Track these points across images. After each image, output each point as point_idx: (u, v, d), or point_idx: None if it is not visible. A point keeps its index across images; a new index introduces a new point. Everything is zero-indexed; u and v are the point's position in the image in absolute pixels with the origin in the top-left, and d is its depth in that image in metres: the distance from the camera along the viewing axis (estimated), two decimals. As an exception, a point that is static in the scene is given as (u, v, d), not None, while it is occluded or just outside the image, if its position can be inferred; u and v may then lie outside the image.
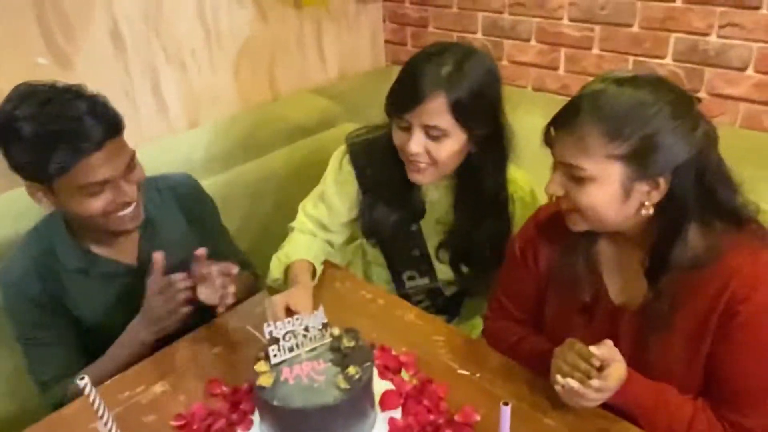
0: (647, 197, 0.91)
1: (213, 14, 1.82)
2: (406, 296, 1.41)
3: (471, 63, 1.13)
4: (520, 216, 1.29)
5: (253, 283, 1.43)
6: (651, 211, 0.92)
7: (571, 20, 1.81)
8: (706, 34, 1.57)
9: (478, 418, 0.96)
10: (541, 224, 1.12)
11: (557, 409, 0.98)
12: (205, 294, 1.13)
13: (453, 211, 1.30)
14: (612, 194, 0.90)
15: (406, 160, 1.20)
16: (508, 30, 1.97)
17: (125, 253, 1.27)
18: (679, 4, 1.59)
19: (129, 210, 1.16)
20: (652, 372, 0.98)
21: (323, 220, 1.35)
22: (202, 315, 1.22)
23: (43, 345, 1.22)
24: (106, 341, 1.23)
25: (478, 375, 1.06)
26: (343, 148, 1.34)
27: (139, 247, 1.29)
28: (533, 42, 1.93)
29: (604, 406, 0.96)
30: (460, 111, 1.11)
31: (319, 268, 1.31)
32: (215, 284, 1.12)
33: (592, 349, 0.89)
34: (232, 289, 1.13)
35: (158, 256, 1.14)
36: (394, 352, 1.10)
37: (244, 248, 1.54)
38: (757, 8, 1.47)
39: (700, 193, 0.90)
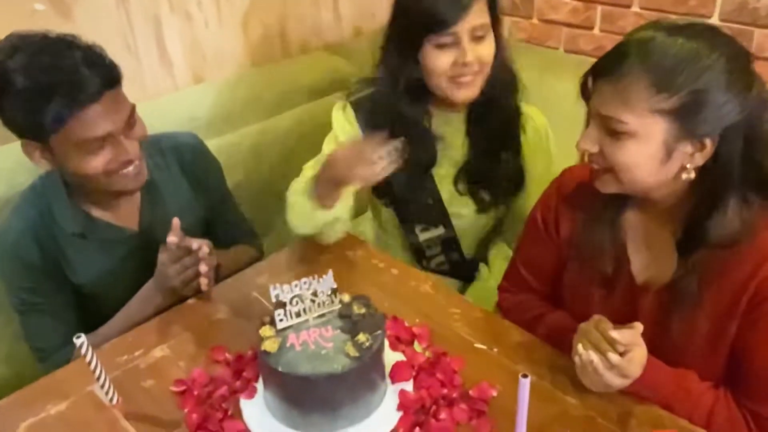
0: (690, 160, 0.89)
1: (221, -36, 1.80)
2: (420, 251, 1.44)
3: None
4: (533, 145, 1.35)
5: (256, 258, 1.44)
6: (692, 175, 0.90)
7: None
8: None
9: (494, 393, 0.97)
10: (564, 190, 1.12)
11: (579, 389, 0.98)
12: (173, 270, 1.15)
13: (467, 143, 1.34)
14: (652, 153, 0.89)
15: (451, 81, 1.24)
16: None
17: (126, 217, 1.29)
18: (727, -44, 1.55)
19: (131, 168, 1.17)
20: (673, 354, 0.98)
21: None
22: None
23: (40, 312, 1.24)
24: (106, 309, 1.26)
25: (495, 350, 1.06)
26: (342, 105, 1.37)
27: (141, 211, 1.30)
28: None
29: (623, 392, 0.95)
30: (493, 8, 1.23)
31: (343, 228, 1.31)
32: (183, 262, 1.14)
33: (615, 334, 0.89)
34: (203, 268, 1.14)
35: (176, 222, 1.15)
36: (407, 323, 1.10)
37: (251, 213, 1.55)
38: (814, -36, 1.43)
39: (747, 161, 0.88)
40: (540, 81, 1.65)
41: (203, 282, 1.14)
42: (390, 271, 1.27)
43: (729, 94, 0.85)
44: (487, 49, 1.22)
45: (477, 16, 1.19)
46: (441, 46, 1.20)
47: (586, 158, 0.97)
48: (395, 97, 1.28)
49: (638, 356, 0.90)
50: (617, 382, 0.90)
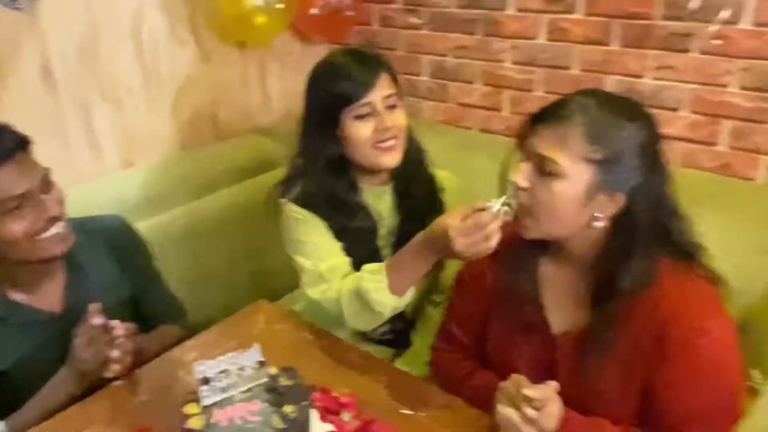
0: (602, 209, 0.97)
1: (152, 53, 1.83)
2: None
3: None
4: (456, 204, 1.34)
5: (182, 337, 1.39)
6: (602, 224, 0.97)
7: (514, 63, 1.90)
8: (641, 76, 1.68)
9: (422, 458, 0.95)
10: None
11: (505, 446, 0.98)
12: (88, 353, 1.11)
13: (398, 215, 1.37)
14: (575, 195, 0.96)
15: (375, 147, 1.27)
16: (453, 73, 2.05)
17: (49, 299, 1.24)
18: (615, 47, 1.69)
19: (55, 229, 1.14)
20: (590, 399, 1.01)
21: (340, 258, 1.30)
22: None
23: None
24: (23, 394, 1.18)
25: (422, 414, 1.06)
26: (284, 203, 1.33)
27: (65, 292, 1.25)
28: (478, 84, 2.01)
29: None
30: (397, 81, 1.31)
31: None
32: (99, 343, 1.10)
33: (529, 392, 0.91)
34: (114, 354, 1.10)
35: (93, 306, 1.12)
36: (334, 394, 1.08)
37: (182, 292, 1.51)
38: (687, 51, 1.58)
39: (653, 221, 0.97)
40: (458, 158, 1.73)
41: (114, 368, 1.10)
42: (318, 342, 1.26)
43: (640, 159, 0.95)
44: (400, 117, 1.29)
45: (386, 87, 1.26)
46: (360, 117, 1.25)
47: (513, 193, 1.01)
48: (321, 178, 1.30)
49: (553, 410, 0.93)
50: None
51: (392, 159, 1.29)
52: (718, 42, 1.50)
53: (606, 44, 1.70)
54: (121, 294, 1.34)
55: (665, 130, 1.64)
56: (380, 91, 1.25)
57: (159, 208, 1.73)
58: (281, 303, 1.72)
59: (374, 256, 1.33)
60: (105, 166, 1.80)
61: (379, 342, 1.43)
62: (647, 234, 0.97)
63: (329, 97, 1.26)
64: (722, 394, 0.97)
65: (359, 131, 1.26)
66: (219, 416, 0.89)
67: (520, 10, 1.83)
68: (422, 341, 1.44)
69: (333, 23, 2.12)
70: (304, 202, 1.31)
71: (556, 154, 0.95)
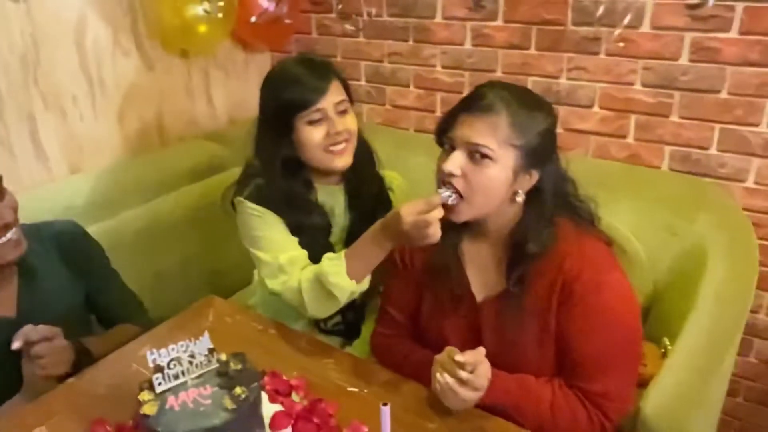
0: (522, 186, 1.07)
1: (96, 62, 1.82)
2: None
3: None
4: (402, 201, 1.38)
5: (140, 334, 1.40)
6: (522, 198, 1.08)
7: (444, 67, 1.98)
8: (557, 77, 1.78)
9: (366, 429, 1.01)
10: None
11: (440, 415, 1.05)
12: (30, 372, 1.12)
13: (349, 212, 1.42)
14: (505, 176, 1.05)
15: (327, 151, 1.32)
16: (389, 77, 2.12)
17: (2, 305, 1.23)
18: (533, 51, 1.80)
19: (9, 235, 1.14)
20: (513, 356, 1.11)
21: (298, 250, 1.33)
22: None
23: None
24: None
25: (366, 390, 1.11)
26: (239, 202, 1.36)
27: (18, 297, 1.25)
28: (412, 88, 2.08)
29: (480, 409, 1.05)
30: (347, 87, 1.35)
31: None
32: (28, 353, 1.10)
33: (460, 357, 1.00)
34: (44, 360, 1.10)
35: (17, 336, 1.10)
36: (285, 377, 1.12)
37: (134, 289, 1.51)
38: (597, 53, 1.70)
39: (558, 194, 1.09)
40: (396, 156, 1.79)
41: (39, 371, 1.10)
42: (268, 331, 1.30)
43: (547, 142, 1.07)
44: (350, 121, 1.34)
45: (336, 94, 1.30)
46: (312, 122, 1.29)
47: (443, 182, 1.08)
48: (277, 178, 1.33)
49: (483, 370, 1.01)
50: (471, 395, 1.01)
51: (343, 161, 1.34)
52: (622, 45, 1.62)
53: (525, 48, 1.80)
54: (75, 298, 1.34)
55: (580, 125, 1.78)
56: (331, 98, 1.29)
57: (108, 212, 1.72)
58: (234, 299, 1.74)
59: (328, 252, 1.37)
60: (53, 174, 1.78)
61: (331, 333, 1.47)
62: (553, 201, 1.09)
63: (282, 103, 1.29)
64: (623, 337, 1.09)
65: (312, 136, 1.30)
66: (172, 401, 0.92)
67: (446, 18, 1.92)
68: (369, 331, 1.50)
69: (273, 31, 2.15)
70: (260, 200, 1.33)
71: (488, 140, 1.03)
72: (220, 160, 2.02)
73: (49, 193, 1.71)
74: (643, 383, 1.18)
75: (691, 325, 1.29)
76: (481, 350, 1.03)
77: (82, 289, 1.36)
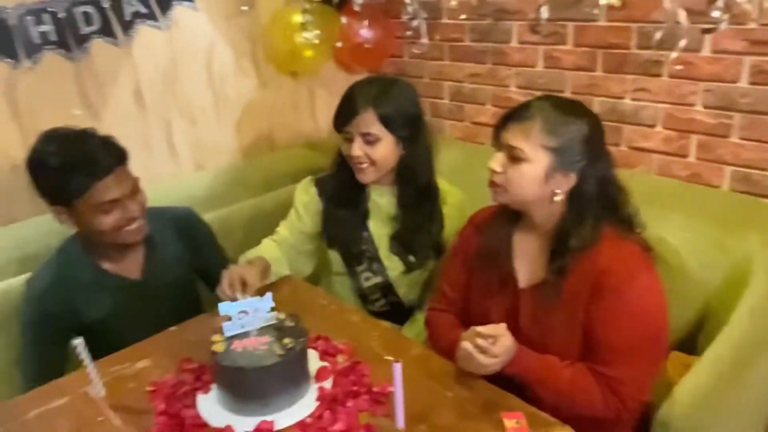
0: (559, 186, 1.14)
1: (221, 81, 2.09)
2: (364, 295, 1.61)
3: (394, 87, 1.48)
4: (456, 216, 1.53)
5: None
6: (561, 197, 1.14)
7: (517, 87, 2.05)
8: (622, 98, 1.79)
9: (391, 388, 1.11)
10: (474, 221, 1.36)
11: (459, 385, 1.14)
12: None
13: (398, 209, 1.55)
14: (537, 175, 1.13)
15: (352, 164, 1.48)
16: (469, 96, 2.22)
17: (131, 269, 1.46)
18: (599, 73, 1.82)
19: (134, 225, 1.36)
20: (543, 340, 1.17)
21: (286, 231, 1.60)
22: None
23: (37, 354, 1.38)
24: (109, 343, 1.35)
25: (401, 361, 1.22)
26: (308, 179, 1.61)
27: (143, 264, 1.47)
28: (489, 106, 2.17)
29: (502, 382, 1.13)
30: (386, 121, 1.43)
31: (277, 270, 1.52)
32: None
33: (479, 329, 1.09)
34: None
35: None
36: (334, 342, 1.27)
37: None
38: (659, 75, 1.69)
39: (600, 193, 1.14)
40: (470, 168, 1.88)
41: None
42: (330, 307, 1.45)
43: (587, 146, 1.13)
44: (376, 151, 1.44)
45: (365, 125, 1.43)
46: (346, 139, 1.48)
47: (492, 176, 1.19)
48: (336, 169, 1.55)
49: (503, 341, 1.09)
50: (487, 361, 1.09)
51: (362, 178, 1.49)
52: (680, 68, 1.60)
53: (592, 70, 1.83)
54: (186, 268, 1.56)
55: (643, 144, 1.77)
56: (358, 127, 1.44)
57: (222, 203, 1.96)
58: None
59: (358, 238, 1.56)
60: (181, 169, 2.07)
61: (379, 315, 1.61)
62: (595, 204, 1.14)
63: (334, 117, 1.50)
64: (645, 329, 1.11)
65: (345, 149, 1.49)
66: (236, 344, 1.10)
67: (521, 43, 1.99)
68: (421, 316, 1.62)
69: (370, 56, 2.33)
70: (322, 183, 1.58)
71: (521, 143, 1.13)
72: (318, 166, 2.18)
73: (178, 184, 1.98)
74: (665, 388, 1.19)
75: (721, 336, 1.26)
76: (502, 325, 1.11)
77: (194, 261, 1.58)
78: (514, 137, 1.14)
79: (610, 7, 1.69)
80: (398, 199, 1.55)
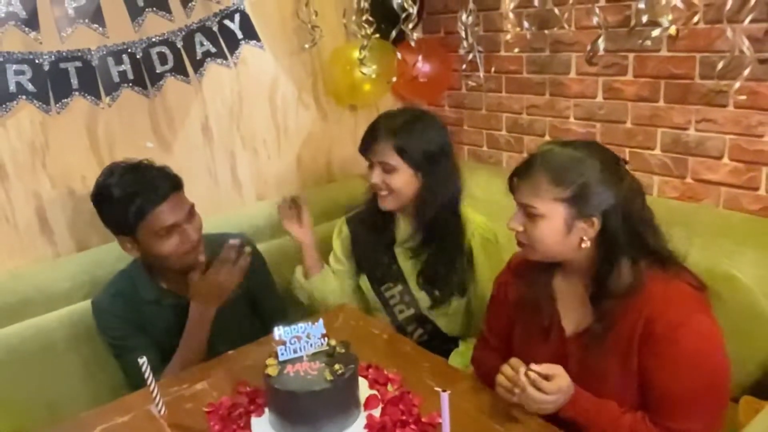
0: (585, 233, 1.11)
1: (283, 114, 2.21)
2: (401, 327, 1.64)
3: (418, 120, 1.54)
4: (483, 251, 1.55)
5: None
6: (588, 244, 1.12)
7: (576, 119, 2.05)
8: (686, 129, 1.76)
9: (440, 419, 1.13)
10: (512, 267, 1.34)
11: (510, 422, 1.13)
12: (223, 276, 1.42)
13: (418, 241, 1.58)
14: (557, 229, 1.11)
15: (375, 191, 1.57)
16: (527, 127, 2.23)
17: (188, 288, 1.53)
18: (662, 104, 1.80)
19: (193, 249, 1.45)
20: (596, 389, 1.13)
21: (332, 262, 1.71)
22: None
23: (130, 351, 1.45)
24: (169, 354, 1.48)
25: (448, 391, 1.23)
26: (341, 219, 1.74)
27: None
28: (547, 137, 2.17)
29: (559, 422, 1.11)
30: (402, 152, 1.51)
31: (333, 300, 1.65)
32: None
33: (535, 367, 1.08)
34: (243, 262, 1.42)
35: (234, 241, 1.43)
36: (385, 371, 1.29)
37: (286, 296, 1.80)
38: (725, 106, 1.65)
39: (628, 232, 1.10)
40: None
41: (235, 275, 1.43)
42: (382, 336, 1.48)
43: (603, 185, 1.09)
44: (394, 180, 1.53)
45: (383, 155, 1.52)
46: (370, 167, 1.57)
47: (516, 236, 1.19)
48: (373, 199, 1.63)
49: (558, 381, 1.08)
50: (540, 397, 1.07)
51: (384, 204, 1.57)
52: (743, 97, 1.56)
53: (654, 101, 1.81)
54: (237, 291, 1.63)
55: (709, 176, 1.72)
56: (377, 156, 1.54)
57: (282, 232, 2.02)
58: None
59: (383, 261, 1.65)
60: (244, 199, 2.17)
61: (421, 343, 1.62)
62: (626, 243, 1.10)
63: (359, 148, 1.61)
64: (705, 377, 1.06)
65: (369, 176, 1.58)
66: (289, 368, 1.14)
67: (580, 74, 1.99)
68: (466, 344, 1.63)
69: (428, 88, 2.39)
70: (353, 220, 1.70)
71: (532, 200, 1.11)
72: (375, 196, 2.27)
73: (240, 214, 2.08)
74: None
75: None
76: (559, 366, 1.09)
77: (245, 284, 1.64)
78: (525, 195, 1.13)
79: (672, 37, 1.68)
80: (416, 231, 1.59)
